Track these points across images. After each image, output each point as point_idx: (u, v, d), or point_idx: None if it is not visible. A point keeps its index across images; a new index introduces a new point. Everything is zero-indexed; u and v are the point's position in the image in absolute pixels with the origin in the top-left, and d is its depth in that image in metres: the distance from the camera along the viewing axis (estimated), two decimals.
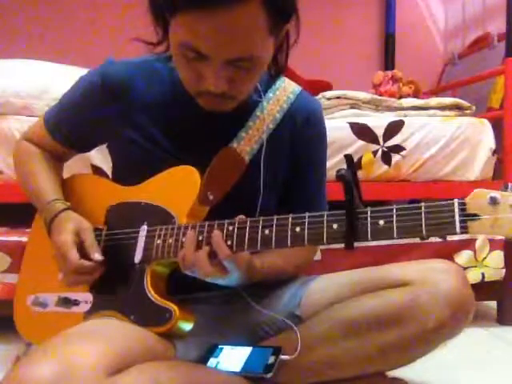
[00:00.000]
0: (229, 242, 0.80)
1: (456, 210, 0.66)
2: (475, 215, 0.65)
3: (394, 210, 0.71)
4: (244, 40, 0.77)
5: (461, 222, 0.66)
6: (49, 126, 1.05)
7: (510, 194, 0.64)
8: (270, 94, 0.99)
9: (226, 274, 0.81)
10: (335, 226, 0.74)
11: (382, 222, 0.71)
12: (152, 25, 0.85)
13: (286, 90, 1.00)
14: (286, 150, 1.00)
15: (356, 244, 0.72)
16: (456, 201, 0.67)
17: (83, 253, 0.89)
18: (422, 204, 0.69)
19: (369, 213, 0.72)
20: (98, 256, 0.89)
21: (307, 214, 0.76)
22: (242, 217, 0.82)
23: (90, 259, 0.89)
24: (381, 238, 0.71)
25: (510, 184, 0.65)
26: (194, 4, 0.73)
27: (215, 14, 0.73)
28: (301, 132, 1.01)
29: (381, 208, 0.72)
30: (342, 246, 0.73)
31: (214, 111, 0.88)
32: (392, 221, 0.70)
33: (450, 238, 1.59)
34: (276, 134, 0.97)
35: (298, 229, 0.76)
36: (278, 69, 0.92)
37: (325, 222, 0.75)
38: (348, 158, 0.75)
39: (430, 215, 0.68)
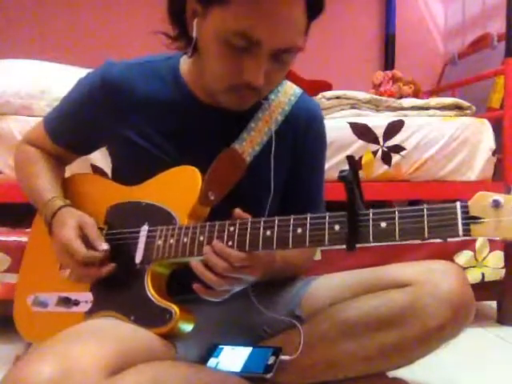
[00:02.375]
0: (230, 243, 0.80)
1: (459, 212, 0.66)
2: (478, 218, 0.65)
3: (396, 213, 0.70)
4: (294, 31, 0.81)
5: (463, 224, 0.66)
6: (49, 130, 1.05)
7: None
8: (272, 96, 0.99)
9: (251, 268, 0.81)
10: (337, 227, 0.74)
11: (384, 224, 0.71)
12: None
13: (287, 92, 1.01)
14: (287, 151, 1.01)
15: (357, 245, 0.72)
16: (458, 203, 0.67)
17: (88, 246, 0.89)
18: (425, 206, 0.69)
19: (371, 215, 0.72)
20: (104, 246, 0.88)
21: (309, 216, 0.76)
22: (238, 210, 0.82)
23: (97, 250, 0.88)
24: (383, 240, 0.71)
25: None
26: None
27: (276, 3, 0.76)
28: (302, 134, 1.01)
29: (383, 210, 0.72)
30: (344, 246, 0.73)
31: (234, 109, 0.89)
32: (394, 223, 0.70)
33: (450, 238, 1.59)
34: (277, 135, 0.97)
35: (299, 230, 0.76)
36: None
37: (326, 223, 0.74)
38: (350, 159, 0.75)
39: (432, 218, 0.68)
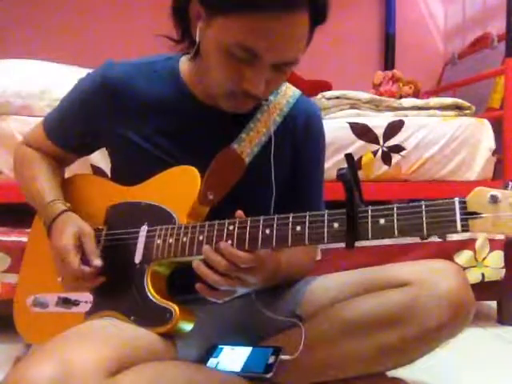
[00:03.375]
0: (229, 242, 0.80)
1: (457, 208, 0.67)
2: (476, 213, 0.65)
3: (395, 209, 0.71)
4: (296, 46, 0.81)
5: (462, 220, 0.66)
6: (48, 130, 1.05)
7: (511, 193, 0.64)
8: (271, 98, 0.99)
9: (254, 270, 0.81)
10: (336, 225, 0.74)
11: (382, 221, 0.71)
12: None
13: (286, 93, 1.01)
14: (286, 152, 1.01)
15: (357, 243, 0.72)
16: (457, 199, 0.67)
17: (83, 258, 0.89)
18: (423, 202, 0.69)
19: (369, 212, 0.72)
20: (97, 262, 0.88)
21: (308, 214, 0.76)
22: (240, 212, 0.82)
23: (90, 265, 0.88)
24: (381, 236, 0.71)
25: (510, 182, 0.65)
26: (259, 6, 0.75)
27: (279, 18, 0.76)
28: (300, 135, 1.02)
29: (381, 207, 0.72)
30: (343, 245, 0.73)
31: (233, 112, 0.90)
32: (393, 219, 0.70)
33: (449, 238, 1.59)
34: (276, 136, 0.98)
35: (298, 228, 0.76)
36: None
37: (325, 221, 0.75)
38: (348, 157, 0.76)
39: (430, 214, 0.68)
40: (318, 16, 0.82)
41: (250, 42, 0.77)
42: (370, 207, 0.72)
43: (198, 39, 0.85)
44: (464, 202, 0.67)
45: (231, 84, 0.84)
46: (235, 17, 0.77)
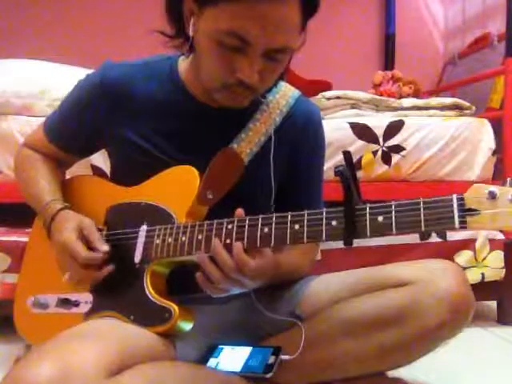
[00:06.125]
0: (228, 241, 0.80)
1: (455, 205, 0.67)
2: (474, 210, 0.65)
3: (393, 206, 0.71)
4: (287, 31, 0.81)
5: (460, 216, 0.66)
6: (48, 132, 1.05)
7: (509, 189, 0.64)
8: (270, 98, 0.99)
9: (256, 276, 0.81)
10: (334, 222, 0.74)
11: (380, 218, 0.71)
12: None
13: (285, 93, 1.01)
14: (285, 152, 1.01)
15: (355, 241, 0.72)
16: (455, 196, 0.67)
17: (88, 248, 0.89)
18: (421, 199, 0.69)
19: (367, 209, 0.72)
20: (105, 247, 0.88)
21: (306, 212, 0.77)
22: (239, 211, 0.82)
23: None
24: (380, 234, 0.71)
25: (508, 179, 0.65)
26: None
27: (267, 3, 0.76)
28: (300, 135, 1.02)
29: (379, 204, 0.72)
30: (342, 244, 0.73)
31: (228, 107, 0.90)
32: (391, 216, 0.70)
33: (450, 237, 1.59)
34: (275, 136, 0.98)
35: (297, 226, 0.76)
36: (282, 71, 0.93)
37: (324, 219, 0.75)
38: (346, 154, 0.76)
39: (428, 210, 0.68)
40: (309, 3, 0.82)
41: (239, 28, 0.78)
42: (368, 205, 0.72)
43: (191, 34, 0.85)
44: (462, 199, 0.67)
45: (224, 75, 0.83)
46: (224, 5, 0.77)
